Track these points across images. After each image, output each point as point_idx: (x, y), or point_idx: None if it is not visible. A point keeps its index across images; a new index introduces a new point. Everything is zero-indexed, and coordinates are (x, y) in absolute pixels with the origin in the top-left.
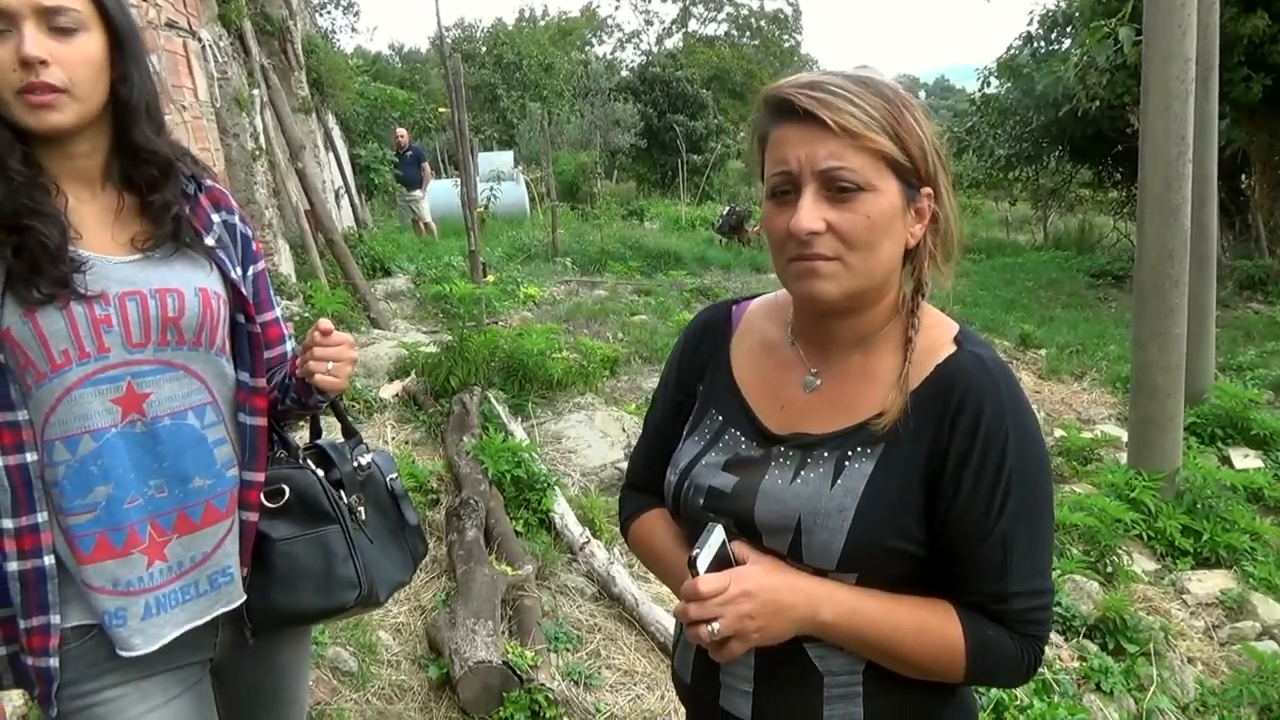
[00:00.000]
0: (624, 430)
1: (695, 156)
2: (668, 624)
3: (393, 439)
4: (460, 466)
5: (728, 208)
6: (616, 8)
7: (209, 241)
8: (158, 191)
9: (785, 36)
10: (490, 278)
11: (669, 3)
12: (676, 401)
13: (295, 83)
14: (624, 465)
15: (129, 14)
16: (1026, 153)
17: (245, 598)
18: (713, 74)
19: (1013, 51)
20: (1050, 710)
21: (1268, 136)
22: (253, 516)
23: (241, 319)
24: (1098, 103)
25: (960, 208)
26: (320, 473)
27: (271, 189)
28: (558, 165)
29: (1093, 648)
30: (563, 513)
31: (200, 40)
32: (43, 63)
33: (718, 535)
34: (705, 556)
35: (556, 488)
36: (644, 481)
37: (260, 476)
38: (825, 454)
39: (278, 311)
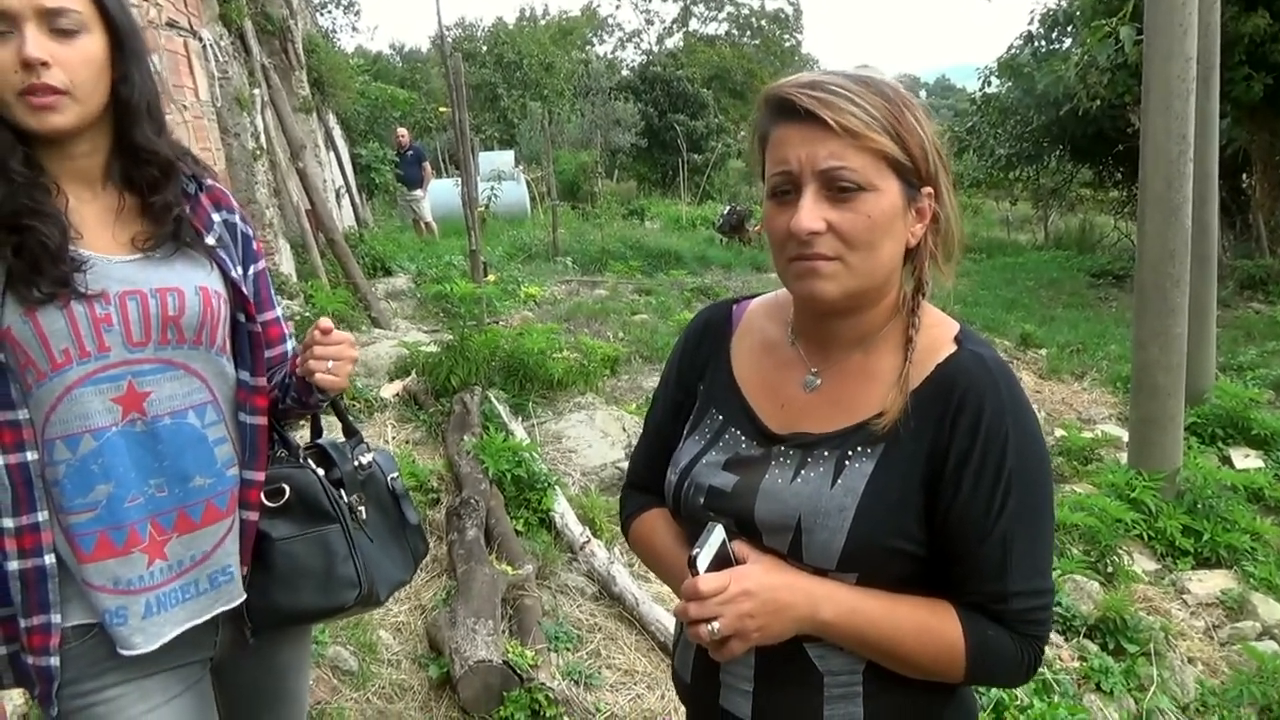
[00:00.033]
0: (624, 430)
1: (696, 156)
2: (668, 623)
3: (393, 438)
4: (461, 466)
5: (728, 207)
6: (617, 7)
7: (209, 241)
8: (159, 192)
9: (786, 36)
10: (491, 277)
11: (669, 2)
12: (677, 401)
13: (296, 82)
14: (624, 465)
15: (130, 14)
16: (1027, 152)
17: (245, 597)
18: (713, 73)
19: (1013, 51)
20: (1050, 710)
21: (1268, 135)
22: (253, 515)
23: (242, 318)
24: (1099, 102)
25: (961, 207)
26: (321, 472)
27: (272, 188)
28: (558, 165)
29: (1093, 648)
30: (563, 512)
31: (201, 40)
32: (44, 64)
33: (718, 534)
34: (705, 556)
35: (557, 487)
36: (645, 481)
37: (261, 475)
38: (825, 453)
39: (278, 311)
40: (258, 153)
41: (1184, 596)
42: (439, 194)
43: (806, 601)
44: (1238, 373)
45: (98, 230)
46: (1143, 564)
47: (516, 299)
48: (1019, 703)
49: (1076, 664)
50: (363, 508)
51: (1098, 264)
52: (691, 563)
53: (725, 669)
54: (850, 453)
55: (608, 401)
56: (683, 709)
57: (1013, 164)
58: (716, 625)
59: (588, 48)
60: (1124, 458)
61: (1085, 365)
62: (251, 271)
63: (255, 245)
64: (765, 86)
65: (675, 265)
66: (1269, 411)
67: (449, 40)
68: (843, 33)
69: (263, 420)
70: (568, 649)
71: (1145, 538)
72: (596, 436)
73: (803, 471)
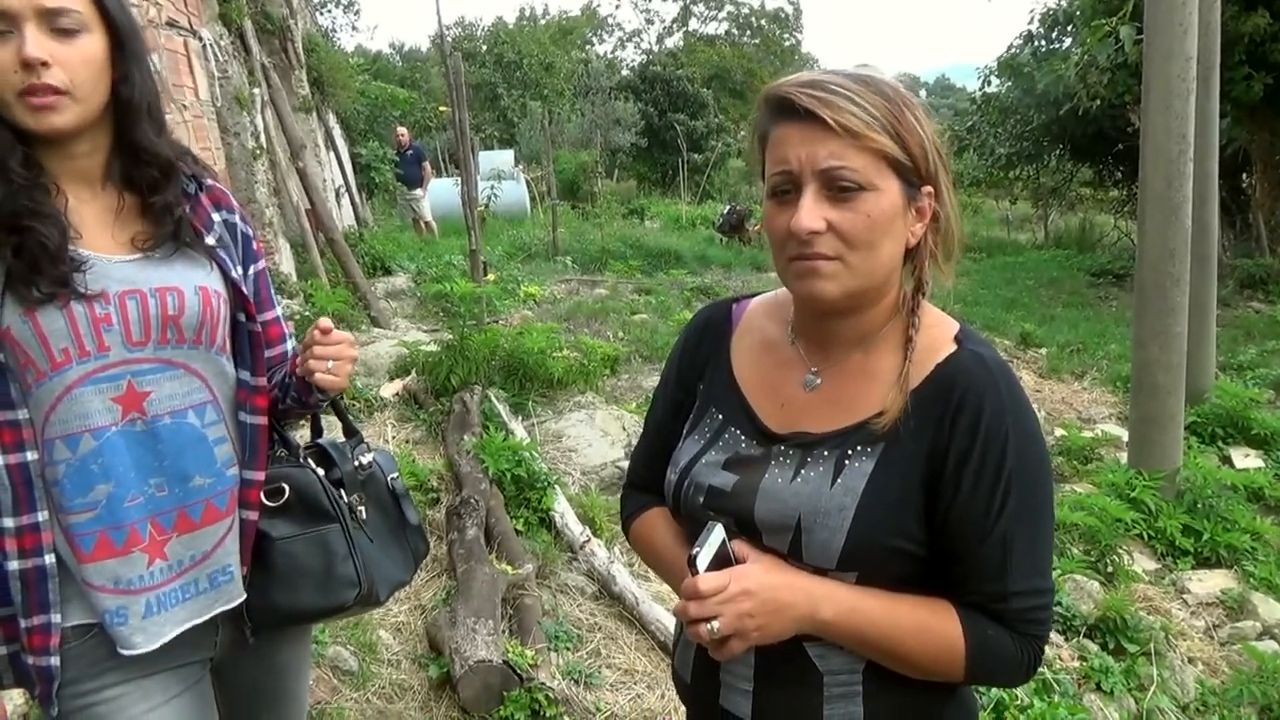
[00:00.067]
0: (624, 429)
1: (696, 155)
2: (668, 623)
3: (393, 438)
4: (461, 465)
5: (728, 207)
6: (617, 7)
7: (209, 241)
8: (159, 192)
9: (786, 35)
10: (491, 276)
11: (669, 2)
12: (677, 400)
13: (296, 81)
14: (624, 464)
15: (130, 14)
16: (1027, 151)
17: (245, 596)
18: (713, 73)
19: (1013, 50)
20: (1050, 710)
21: (1269, 135)
22: (253, 515)
23: (242, 318)
24: (1098, 101)
25: (961, 206)
26: (320, 472)
27: (272, 188)
28: (558, 164)
29: (1093, 647)
30: (563, 511)
31: (201, 39)
32: (44, 64)
33: (718, 534)
34: (705, 555)
35: (557, 486)
36: (645, 480)
37: (260, 475)
38: (825, 453)
39: (278, 310)
40: (257, 152)
41: (1184, 596)
42: (439, 193)
43: (806, 601)
44: (1238, 372)
45: (97, 230)
46: (1143, 564)
47: (516, 298)
48: (1019, 702)
49: (1076, 664)
50: (363, 508)
51: (1098, 263)
52: (691, 562)
53: (725, 668)
54: (850, 452)
55: (608, 401)
56: (683, 708)
57: (1013, 163)
58: (716, 624)
59: (588, 47)
60: (1124, 457)
61: (1085, 364)
62: (251, 271)
63: (255, 245)
64: (765, 86)
65: (675, 265)
66: (1269, 411)
67: (449, 39)
68: (843, 32)
69: (263, 420)
70: (568, 648)
71: (1145, 537)
72: (596, 436)
73: (802, 471)
